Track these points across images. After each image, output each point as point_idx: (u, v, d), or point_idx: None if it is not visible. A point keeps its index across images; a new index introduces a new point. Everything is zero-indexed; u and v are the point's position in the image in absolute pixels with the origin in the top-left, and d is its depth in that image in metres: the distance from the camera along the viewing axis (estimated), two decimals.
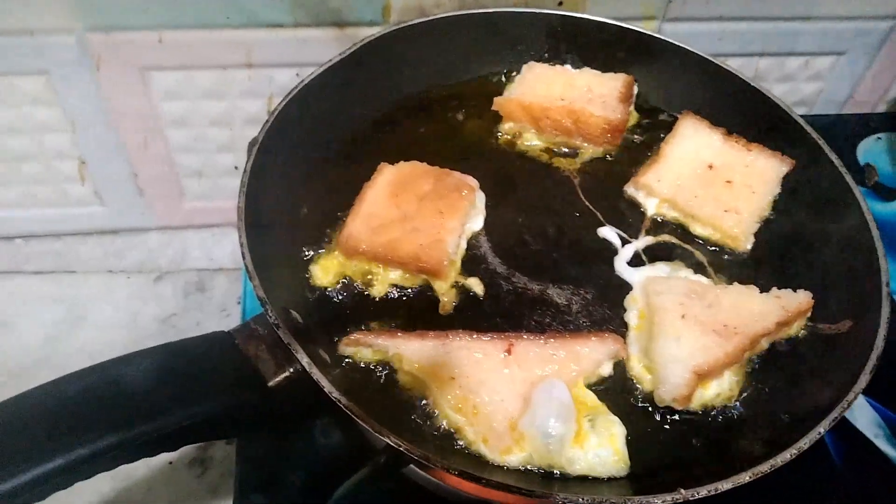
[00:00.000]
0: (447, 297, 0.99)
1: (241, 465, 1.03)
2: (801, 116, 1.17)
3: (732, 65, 1.26)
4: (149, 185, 1.53)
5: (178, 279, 1.56)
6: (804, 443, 0.80)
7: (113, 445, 0.71)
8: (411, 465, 1.00)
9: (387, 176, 1.07)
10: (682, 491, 0.75)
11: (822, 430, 0.82)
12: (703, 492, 0.76)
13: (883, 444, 1.16)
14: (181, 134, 1.45)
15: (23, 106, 1.35)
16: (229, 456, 1.28)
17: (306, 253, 1.02)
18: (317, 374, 0.79)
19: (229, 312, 1.51)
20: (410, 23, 1.23)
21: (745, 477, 0.77)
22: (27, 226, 1.56)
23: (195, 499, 1.26)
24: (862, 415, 1.19)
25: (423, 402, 0.89)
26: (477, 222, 1.08)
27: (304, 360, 0.80)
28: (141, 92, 1.37)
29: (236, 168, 1.52)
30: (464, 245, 1.05)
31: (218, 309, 1.51)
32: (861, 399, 1.21)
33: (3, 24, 1.23)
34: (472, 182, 1.08)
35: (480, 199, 1.10)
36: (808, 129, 1.15)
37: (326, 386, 0.79)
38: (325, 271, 1.00)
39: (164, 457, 1.27)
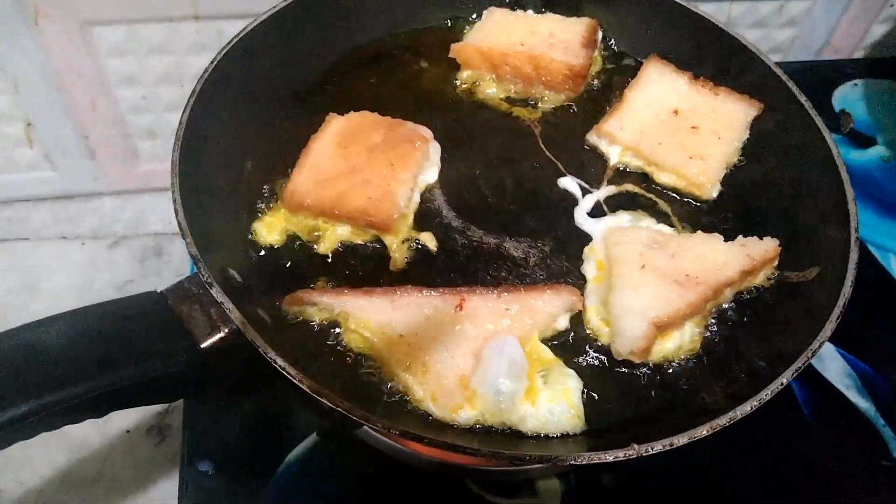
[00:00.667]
0: (398, 253, 0.95)
1: (188, 432, 0.99)
2: (776, 64, 1.12)
3: (705, 10, 1.20)
4: (100, 148, 1.47)
5: (134, 244, 1.51)
6: (765, 394, 0.77)
7: (28, 412, 0.66)
8: (364, 427, 0.97)
9: (335, 127, 1.02)
10: (636, 446, 0.72)
11: (784, 381, 0.78)
12: (657, 447, 0.72)
13: (854, 396, 1.13)
14: (130, 92, 1.39)
15: None
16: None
17: (249, 210, 0.97)
18: (252, 334, 0.75)
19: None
20: None
21: (702, 431, 0.74)
22: None
23: (154, 466, 1.23)
24: (832, 366, 1.16)
25: (372, 362, 0.85)
26: (431, 174, 1.04)
27: (238, 318, 0.76)
28: (84, 48, 1.30)
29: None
30: (416, 198, 1.00)
31: (175, 274, 1.47)
32: (831, 349, 1.18)
33: None
34: (426, 132, 1.03)
35: (435, 150, 1.05)
36: (779, 72, 1.10)
37: (261, 345, 0.74)
38: (270, 229, 0.96)
39: (122, 425, 1.26)
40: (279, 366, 0.73)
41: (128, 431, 1.25)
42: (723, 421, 0.75)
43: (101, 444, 1.24)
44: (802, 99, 1.06)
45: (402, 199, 0.95)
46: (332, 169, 0.97)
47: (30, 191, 1.52)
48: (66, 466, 1.21)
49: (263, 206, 0.98)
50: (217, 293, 0.77)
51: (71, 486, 1.20)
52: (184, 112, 0.94)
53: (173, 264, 1.48)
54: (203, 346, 0.78)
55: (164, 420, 1.26)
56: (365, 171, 0.97)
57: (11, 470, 1.18)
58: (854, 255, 0.89)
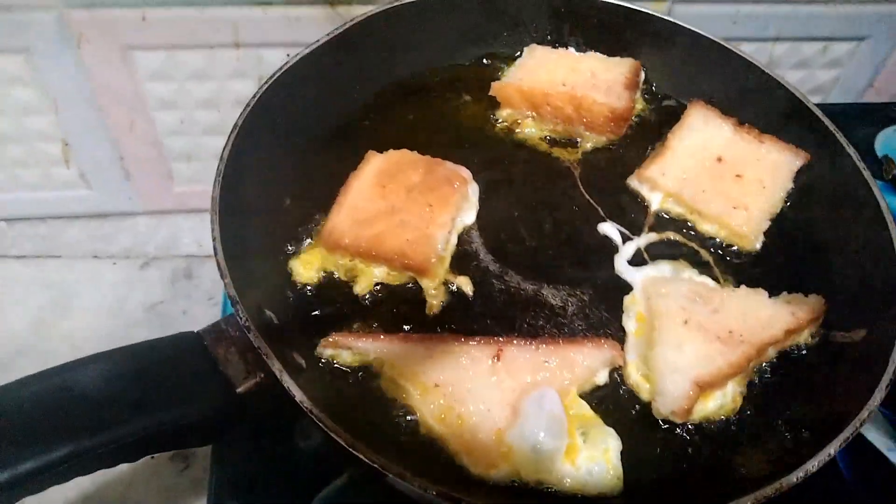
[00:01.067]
0: (435, 297, 0.94)
1: (217, 468, 0.98)
2: (817, 105, 1.10)
3: (746, 50, 1.18)
4: (136, 169, 1.48)
5: (165, 265, 1.51)
6: (812, 465, 0.75)
7: (63, 458, 0.66)
8: None
9: (374, 165, 1.01)
10: None
11: (832, 452, 0.76)
12: None
13: None
14: (168, 116, 1.39)
15: (3, 86, 1.29)
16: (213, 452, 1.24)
17: (287, 247, 0.96)
18: (288, 382, 0.74)
19: (217, 301, 1.46)
20: (405, 1, 1.17)
21: (746, 501, 0.72)
22: (12, 209, 1.51)
23: (177, 494, 1.22)
24: (874, 426, 1.12)
25: (405, 410, 0.83)
26: (469, 216, 1.02)
27: (276, 366, 0.75)
28: (124, 72, 1.31)
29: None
30: (454, 240, 0.99)
31: (205, 297, 1.47)
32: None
33: None
34: (465, 173, 1.02)
35: (473, 191, 1.04)
36: (825, 119, 1.08)
37: (298, 395, 0.73)
38: (307, 267, 0.95)
39: None
40: (315, 416, 0.72)
41: (152, 457, 1.24)
42: (768, 492, 0.73)
43: (126, 468, 1.21)
44: (851, 151, 1.04)
45: (439, 243, 0.94)
46: (370, 209, 0.96)
47: (64, 208, 1.53)
48: (90, 489, 1.21)
49: (301, 243, 0.97)
50: (255, 338, 0.76)
51: None
52: (225, 146, 0.94)
53: (203, 287, 1.48)
54: (239, 390, 0.77)
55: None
56: (403, 212, 0.96)
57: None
58: None
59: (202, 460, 1.24)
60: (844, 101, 1.66)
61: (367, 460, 0.70)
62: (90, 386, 0.70)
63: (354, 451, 0.71)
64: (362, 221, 0.95)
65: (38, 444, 0.66)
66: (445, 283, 0.95)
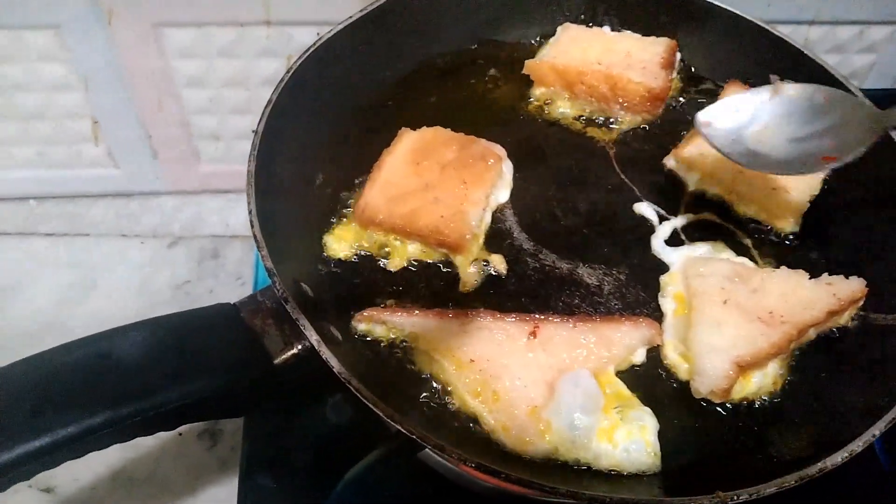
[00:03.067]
0: (468, 274, 0.93)
1: (249, 443, 0.98)
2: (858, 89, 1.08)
3: (782, 31, 1.16)
4: (163, 148, 1.48)
5: (192, 245, 1.51)
6: (856, 445, 0.74)
7: (103, 424, 0.66)
8: (427, 450, 0.94)
9: (408, 142, 1.00)
10: (721, 494, 0.69)
11: (876, 433, 0.75)
12: (743, 495, 0.69)
13: None
14: (196, 94, 1.39)
15: (33, 61, 1.29)
16: (240, 428, 1.22)
17: (320, 223, 0.96)
18: (326, 353, 0.73)
19: (244, 280, 1.46)
20: None
21: (790, 480, 0.71)
22: (40, 187, 1.52)
23: (205, 471, 1.22)
24: None
25: (439, 385, 0.83)
26: (503, 194, 1.01)
27: (314, 337, 0.74)
28: (154, 49, 1.30)
29: (253, 132, 1.45)
30: (488, 218, 0.98)
31: (232, 277, 1.47)
32: None
33: None
34: (500, 150, 1.01)
35: (508, 169, 1.03)
36: (866, 101, 1.06)
37: (336, 366, 0.73)
38: (340, 242, 0.94)
39: None
40: (353, 387, 0.72)
41: (180, 434, 1.25)
42: (812, 471, 0.72)
43: (154, 445, 1.24)
44: (893, 133, 1.02)
45: (474, 219, 0.93)
46: (404, 185, 0.95)
47: (92, 187, 1.53)
48: (119, 465, 1.21)
49: (334, 218, 0.96)
50: (292, 309, 0.76)
51: (122, 485, 1.20)
52: (260, 121, 0.93)
53: (230, 267, 1.48)
54: (277, 361, 0.77)
55: (216, 425, 1.25)
56: (437, 189, 0.95)
57: (67, 466, 1.18)
58: None
59: (229, 438, 1.24)
60: (881, 87, 1.62)
61: (405, 431, 0.69)
62: (130, 353, 0.70)
63: (392, 422, 0.70)
64: (396, 198, 0.94)
65: (79, 409, 0.66)
66: (479, 261, 0.94)
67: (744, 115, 0.94)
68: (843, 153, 0.87)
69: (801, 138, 0.91)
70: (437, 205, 0.94)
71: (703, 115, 0.94)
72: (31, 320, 1.38)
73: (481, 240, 0.96)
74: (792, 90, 0.94)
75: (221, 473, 1.21)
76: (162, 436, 1.23)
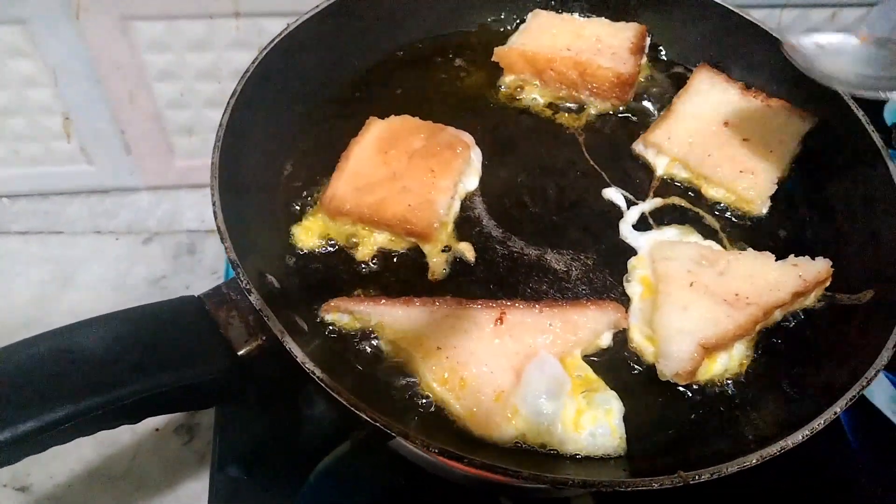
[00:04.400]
0: (437, 263, 0.93)
1: (220, 436, 0.98)
2: None
3: (754, 16, 1.16)
4: (137, 143, 1.47)
5: (168, 240, 1.50)
6: (817, 423, 0.74)
7: (64, 418, 0.66)
8: (397, 438, 0.95)
9: (375, 131, 1.00)
10: (682, 473, 0.69)
11: (837, 410, 0.75)
12: (704, 475, 0.70)
13: None
14: (168, 88, 1.38)
15: (1, 57, 1.28)
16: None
17: (288, 214, 0.96)
18: (290, 344, 0.73)
19: (220, 275, 1.45)
20: None
21: (751, 459, 0.71)
22: (13, 185, 1.51)
23: (182, 465, 1.22)
24: (880, 391, 1.12)
25: (408, 373, 0.83)
26: (472, 182, 1.01)
27: (277, 327, 0.74)
28: (124, 43, 1.29)
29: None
30: (457, 206, 0.98)
31: (208, 272, 1.46)
32: (880, 374, 1.13)
33: None
34: (468, 138, 1.01)
35: (476, 156, 1.03)
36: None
37: (300, 356, 0.73)
38: (308, 233, 0.94)
39: (151, 423, 1.25)
40: (317, 377, 0.72)
41: (157, 430, 1.25)
42: (774, 450, 0.72)
43: (130, 440, 1.23)
44: (860, 114, 1.02)
45: (442, 208, 0.93)
46: (371, 175, 0.95)
47: (66, 184, 1.52)
48: (95, 462, 1.21)
49: (302, 209, 0.96)
50: (256, 300, 0.76)
51: (99, 481, 1.19)
52: (224, 113, 0.93)
53: (206, 262, 1.48)
54: (240, 353, 0.77)
55: (192, 419, 1.25)
56: (405, 178, 0.95)
57: (42, 464, 1.18)
58: None
59: (206, 432, 1.23)
60: None
61: (369, 419, 0.69)
62: (91, 347, 0.70)
63: (356, 411, 0.70)
64: (364, 187, 0.94)
65: (39, 403, 0.65)
66: (448, 249, 0.94)
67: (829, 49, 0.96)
68: None
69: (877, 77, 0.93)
70: (404, 194, 0.93)
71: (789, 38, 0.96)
72: (7, 318, 1.37)
73: (450, 228, 0.96)
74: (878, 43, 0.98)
75: (198, 467, 1.21)
76: (138, 431, 1.25)
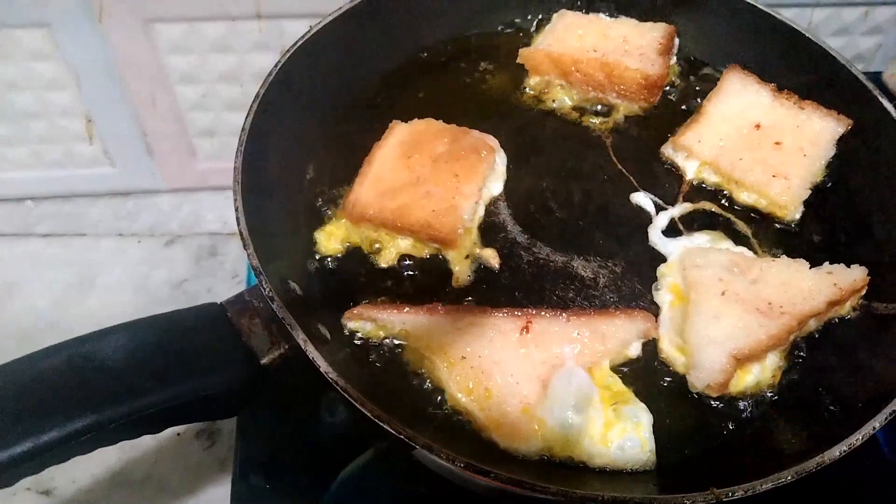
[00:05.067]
0: (461, 269, 0.91)
1: (242, 443, 0.97)
2: (864, 75, 1.05)
3: (785, 15, 1.13)
4: (159, 145, 1.47)
5: (189, 243, 1.50)
6: (855, 439, 0.72)
7: (86, 428, 0.65)
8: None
9: (399, 135, 0.98)
10: (715, 491, 0.67)
11: (877, 425, 0.73)
12: (738, 492, 0.67)
13: None
14: (190, 90, 1.38)
15: (24, 60, 1.29)
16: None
17: (311, 218, 0.94)
18: (313, 353, 0.72)
19: (241, 279, 1.45)
20: None
21: (786, 476, 0.69)
22: (36, 187, 1.51)
23: (203, 471, 1.21)
24: None
25: (431, 383, 0.81)
26: (496, 186, 1.00)
27: (300, 336, 0.73)
28: (146, 45, 1.29)
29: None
30: (481, 211, 0.97)
31: (230, 275, 1.46)
32: None
33: None
34: (492, 142, 0.99)
35: (501, 160, 1.01)
36: (870, 85, 1.04)
37: (323, 366, 0.72)
38: (331, 239, 0.93)
39: (172, 428, 1.25)
40: (341, 388, 0.70)
41: (178, 434, 1.24)
42: (809, 466, 0.70)
43: (152, 446, 1.23)
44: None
45: (466, 213, 0.92)
46: (395, 179, 0.94)
47: (88, 186, 1.53)
48: (117, 466, 1.21)
49: (324, 214, 0.95)
50: (279, 308, 0.74)
51: (121, 485, 1.19)
52: (247, 117, 0.92)
53: (228, 265, 1.47)
54: (263, 361, 0.76)
55: (214, 425, 1.24)
56: (429, 183, 0.94)
57: (64, 468, 1.17)
58: None
59: (227, 438, 1.23)
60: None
61: (392, 431, 0.68)
62: (112, 356, 0.69)
63: (380, 422, 0.69)
64: (387, 192, 0.93)
65: (61, 414, 0.65)
66: (472, 256, 0.92)
67: None
68: None
69: None
70: (428, 199, 0.92)
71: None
72: (30, 320, 1.38)
73: (474, 234, 0.94)
74: None
75: (220, 473, 1.20)
76: (160, 436, 1.23)
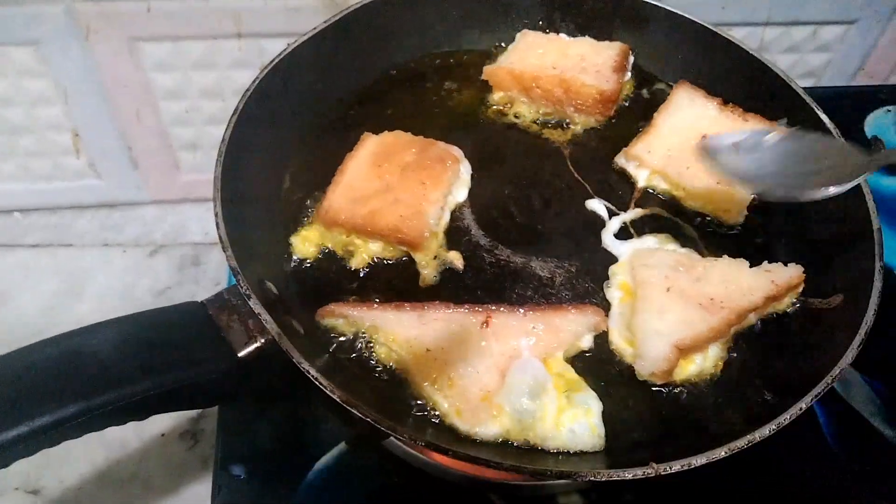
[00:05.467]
0: (428, 270, 0.98)
1: (223, 436, 1.03)
2: (807, 88, 1.13)
3: (736, 34, 1.21)
4: (143, 158, 1.53)
5: (173, 253, 1.56)
6: (784, 418, 0.78)
7: (76, 413, 0.70)
8: (392, 438, 0.99)
9: (370, 146, 1.05)
10: (654, 465, 0.74)
11: (803, 406, 0.79)
12: (675, 466, 0.74)
13: (879, 424, 1.13)
14: (173, 105, 1.44)
15: (14, 76, 1.34)
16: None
17: (287, 224, 1.01)
18: (286, 345, 0.78)
19: (223, 285, 1.50)
20: None
21: (720, 452, 0.75)
22: (25, 199, 1.57)
23: (187, 470, 1.26)
24: (857, 392, 1.16)
25: (399, 375, 0.87)
26: (461, 193, 1.06)
27: (274, 329, 0.79)
28: (131, 62, 1.35)
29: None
30: (447, 217, 1.03)
31: (212, 283, 1.51)
32: (856, 375, 1.18)
33: None
34: (457, 152, 1.06)
35: (466, 169, 1.08)
36: (808, 99, 1.11)
37: (296, 356, 0.77)
38: (306, 243, 0.99)
39: (156, 429, 1.30)
40: (312, 376, 0.76)
41: (162, 435, 1.29)
42: (741, 443, 0.76)
43: (137, 446, 1.28)
44: (831, 126, 1.07)
45: (432, 218, 0.98)
46: (366, 187, 1.00)
47: (75, 198, 1.58)
48: (103, 466, 1.26)
49: (300, 220, 1.01)
50: (255, 304, 0.80)
51: (107, 485, 1.24)
52: (226, 129, 0.98)
53: (210, 273, 1.53)
54: (240, 354, 0.82)
55: (197, 425, 1.30)
56: (397, 190, 1.00)
57: (52, 468, 1.23)
58: (878, 284, 0.90)
59: (210, 437, 1.28)
60: (836, 85, 1.68)
61: (360, 414, 0.74)
62: (100, 349, 0.75)
63: (349, 407, 0.75)
64: (358, 199, 0.99)
65: (53, 400, 0.70)
66: (438, 258, 0.99)
67: (744, 146, 0.97)
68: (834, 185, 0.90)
69: (796, 174, 0.95)
70: (396, 205, 0.98)
71: (707, 140, 0.98)
72: (19, 328, 1.42)
73: (440, 237, 1.01)
74: (793, 137, 0.98)
75: (202, 471, 1.25)
76: (145, 437, 1.29)
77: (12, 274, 1.51)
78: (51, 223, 1.58)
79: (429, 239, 0.97)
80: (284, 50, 1.09)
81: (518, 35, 1.25)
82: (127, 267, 1.54)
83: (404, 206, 0.98)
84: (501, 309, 0.90)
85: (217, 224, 0.88)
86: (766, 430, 0.77)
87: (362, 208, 0.98)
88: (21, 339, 1.38)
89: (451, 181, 1.03)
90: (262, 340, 0.83)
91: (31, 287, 1.49)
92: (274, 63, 1.07)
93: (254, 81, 1.04)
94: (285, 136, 1.08)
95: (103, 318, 1.44)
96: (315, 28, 1.12)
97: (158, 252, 1.57)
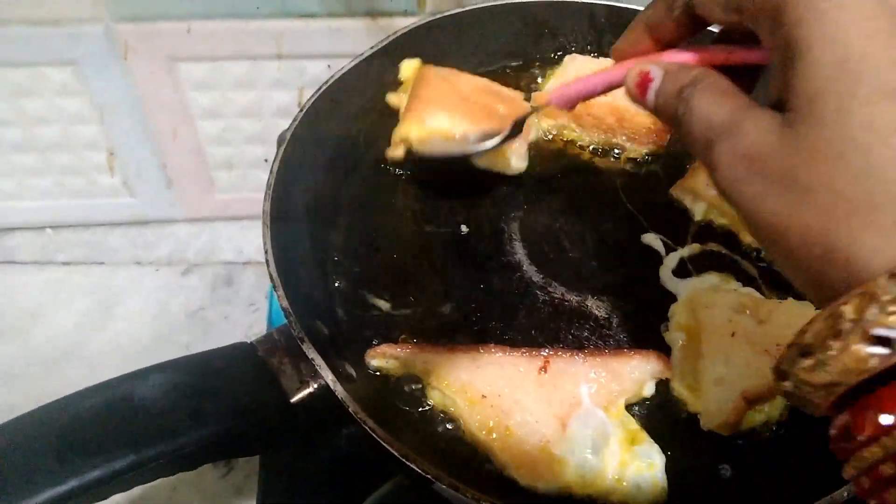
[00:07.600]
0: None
1: (264, 474, 1.00)
2: None
3: None
4: (178, 177, 1.51)
5: (206, 272, 1.54)
6: None
7: (127, 467, 0.68)
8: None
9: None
10: None
11: None
12: None
13: None
14: (211, 125, 1.42)
15: (52, 96, 1.32)
16: (255, 457, 1.26)
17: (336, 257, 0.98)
18: (342, 393, 0.75)
19: (258, 307, 1.48)
20: (447, 13, 1.18)
21: None
22: (57, 216, 1.55)
23: (220, 499, 1.24)
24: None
25: (453, 420, 0.84)
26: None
27: (329, 377, 0.76)
28: (169, 82, 1.33)
29: (266, 160, 1.48)
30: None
31: (246, 303, 1.49)
32: None
33: (30, 14, 1.20)
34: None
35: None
36: None
37: (352, 406, 0.75)
38: None
39: None
40: (369, 427, 0.73)
41: None
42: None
43: None
44: None
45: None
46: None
47: (108, 216, 1.56)
48: (136, 493, 1.22)
49: None
50: (308, 349, 0.78)
51: None
52: (274, 160, 0.95)
53: (243, 293, 1.50)
54: (293, 400, 0.79)
55: None
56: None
57: None
58: None
59: (244, 466, 1.25)
60: None
61: (419, 470, 0.71)
62: (149, 397, 0.72)
63: (407, 462, 0.72)
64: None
65: (103, 453, 0.68)
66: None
67: None
68: None
69: None
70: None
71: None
72: (51, 347, 1.41)
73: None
74: None
75: (237, 501, 1.23)
76: None
77: (44, 292, 1.50)
78: (83, 240, 1.57)
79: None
80: (332, 76, 1.06)
81: (566, 58, 1.22)
82: (159, 286, 1.52)
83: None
84: (559, 353, 0.86)
85: (267, 262, 0.85)
86: (845, 493, 0.73)
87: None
88: (54, 359, 1.39)
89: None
90: (315, 385, 0.80)
91: (63, 305, 1.48)
92: (322, 90, 1.05)
93: (301, 109, 1.02)
94: (334, 163, 1.05)
95: (136, 339, 1.43)
96: (363, 53, 1.10)
97: (191, 271, 1.54)
